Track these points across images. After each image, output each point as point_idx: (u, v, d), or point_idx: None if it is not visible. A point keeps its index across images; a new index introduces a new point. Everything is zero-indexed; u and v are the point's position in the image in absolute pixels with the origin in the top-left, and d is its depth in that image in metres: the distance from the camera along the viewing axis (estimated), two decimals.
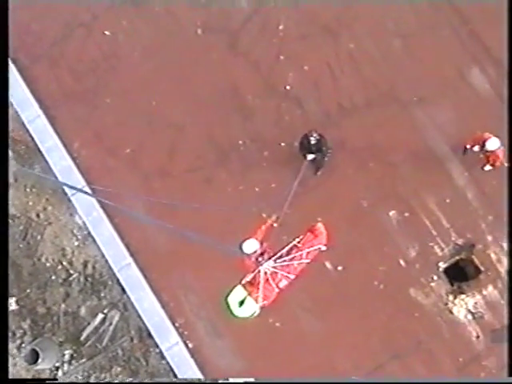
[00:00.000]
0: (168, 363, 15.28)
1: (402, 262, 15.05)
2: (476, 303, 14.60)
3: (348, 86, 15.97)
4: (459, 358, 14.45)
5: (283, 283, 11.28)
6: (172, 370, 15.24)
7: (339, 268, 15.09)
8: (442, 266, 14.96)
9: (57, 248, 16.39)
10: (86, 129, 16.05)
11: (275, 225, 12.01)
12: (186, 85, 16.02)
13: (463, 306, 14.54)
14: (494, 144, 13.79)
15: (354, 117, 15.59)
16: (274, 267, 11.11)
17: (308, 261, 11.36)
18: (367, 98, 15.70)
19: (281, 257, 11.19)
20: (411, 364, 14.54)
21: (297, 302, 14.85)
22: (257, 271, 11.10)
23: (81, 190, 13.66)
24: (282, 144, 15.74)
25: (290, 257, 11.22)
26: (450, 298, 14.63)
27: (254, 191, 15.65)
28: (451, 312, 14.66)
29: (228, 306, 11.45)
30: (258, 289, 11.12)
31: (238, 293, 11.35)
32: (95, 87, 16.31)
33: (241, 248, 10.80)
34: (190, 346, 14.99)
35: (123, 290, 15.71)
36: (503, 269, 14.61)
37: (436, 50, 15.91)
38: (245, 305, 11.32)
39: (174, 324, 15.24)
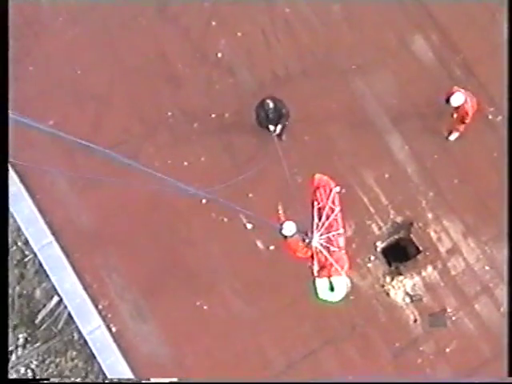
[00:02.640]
0: None
1: None
2: (414, 285, 13.32)
3: (283, 53, 14.59)
4: (396, 343, 13.20)
5: (341, 241, 11.08)
6: None
7: (271, 247, 13.72)
8: (380, 245, 13.67)
9: (11, 228, 14.98)
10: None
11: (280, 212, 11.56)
12: (112, 53, 14.51)
13: (401, 289, 13.25)
14: (458, 99, 12.30)
15: (288, 86, 14.17)
16: (322, 235, 10.92)
17: (339, 207, 11.16)
18: (303, 67, 14.34)
19: (318, 225, 10.98)
20: (345, 350, 13.25)
21: (226, 284, 13.56)
22: (315, 253, 10.94)
23: None
24: (213, 115, 14.07)
25: (324, 218, 10.97)
26: (388, 279, 13.32)
27: (183, 165, 14.07)
28: (388, 295, 13.37)
29: (326, 301, 11.37)
30: (331, 264, 10.94)
31: (321, 284, 11.18)
32: (17, 55, 14.31)
33: (283, 234, 10.55)
34: (114, 329, 13.33)
35: None
36: (444, 248, 13.26)
37: (377, 16, 14.59)
38: (335, 287, 11.12)
39: (96, 306, 13.62)
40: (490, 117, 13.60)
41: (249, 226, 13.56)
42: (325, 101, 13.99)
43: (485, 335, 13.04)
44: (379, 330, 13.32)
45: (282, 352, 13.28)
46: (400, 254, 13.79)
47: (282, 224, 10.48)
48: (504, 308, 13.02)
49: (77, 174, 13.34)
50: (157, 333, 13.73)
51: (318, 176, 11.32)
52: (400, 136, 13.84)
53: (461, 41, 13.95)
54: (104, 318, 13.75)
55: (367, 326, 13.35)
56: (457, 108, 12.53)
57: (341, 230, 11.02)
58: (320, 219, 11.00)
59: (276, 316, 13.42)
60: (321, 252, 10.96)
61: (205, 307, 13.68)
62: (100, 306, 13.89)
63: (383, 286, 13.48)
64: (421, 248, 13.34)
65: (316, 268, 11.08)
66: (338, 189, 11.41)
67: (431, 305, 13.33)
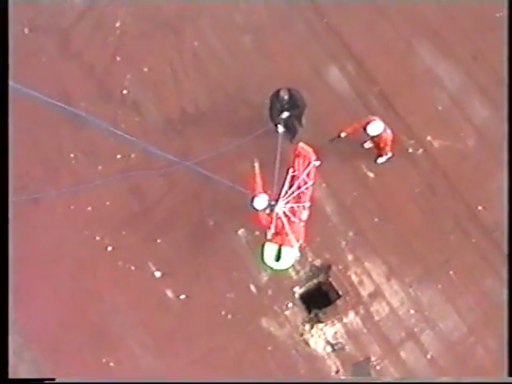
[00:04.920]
0: None
1: (252, 288, 12.53)
2: (336, 333, 12.08)
3: (192, 88, 13.52)
4: None
5: (304, 214, 11.04)
6: None
7: (182, 297, 12.54)
8: (298, 291, 12.46)
9: None
10: None
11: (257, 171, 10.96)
12: (10, 93, 12.76)
13: (321, 337, 12.02)
14: (375, 128, 11.49)
15: (198, 123, 12.90)
16: (287, 203, 10.79)
17: (312, 181, 11.13)
18: (213, 102, 12.95)
19: (287, 192, 10.83)
20: None
21: (134, 338, 12.29)
22: (275, 217, 10.69)
23: None
24: (118, 156, 12.94)
25: (294, 187, 10.90)
26: (307, 327, 12.09)
27: (87, 210, 12.95)
28: (308, 344, 12.08)
29: (268, 267, 11.20)
30: (287, 233, 10.78)
31: (270, 249, 11.03)
32: None
33: (254, 207, 10.45)
34: None
35: None
36: (365, 292, 12.04)
37: (289, 46, 13.61)
38: (283, 256, 11.02)
39: None
40: (410, 150, 12.59)
41: (157, 274, 12.38)
42: (237, 137, 12.59)
43: None
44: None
45: None
46: (321, 299, 12.59)
47: (253, 198, 10.39)
48: (430, 354, 11.65)
49: None
50: None
51: (301, 144, 11.13)
52: (317, 171, 12.22)
53: (377, 71, 12.99)
54: None
55: (286, 378, 11.97)
56: (375, 136, 11.54)
57: (307, 204, 10.98)
58: (290, 187, 10.92)
59: (187, 370, 12.13)
60: (280, 219, 10.75)
61: (111, 364, 12.35)
62: None
63: (302, 334, 12.27)
64: (340, 292, 12.15)
65: (271, 232, 10.88)
66: (317, 163, 11.29)
67: (354, 353, 12.11)
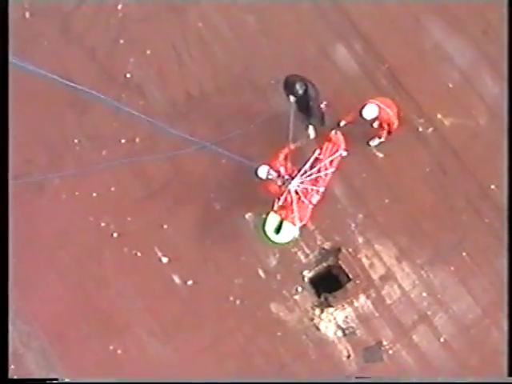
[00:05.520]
0: None
1: (261, 273, 12.24)
2: (346, 317, 11.83)
3: (197, 70, 13.19)
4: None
5: (315, 198, 11.08)
6: None
7: (189, 283, 12.30)
8: (307, 275, 12.18)
9: None
10: None
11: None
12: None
13: (332, 321, 11.76)
14: (369, 112, 11.12)
15: (203, 106, 12.70)
16: (302, 183, 10.91)
17: (333, 169, 11.08)
18: (218, 84, 12.75)
19: (305, 172, 10.94)
20: None
21: (141, 325, 12.07)
22: (287, 192, 10.82)
23: None
24: (123, 140, 12.78)
25: (315, 169, 10.94)
26: (317, 312, 11.84)
27: (92, 197, 12.74)
28: (318, 329, 11.84)
29: (266, 236, 11.17)
30: (293, 210, 10.88)
31: (273, 220, 11.11)
32: None
33: (257, 175, 10.68)
34: None
35: None
36: (376, 275, 11.74)
37: (295, 25, 13.18)
38: (283, 230, 11.10)
39: None
40: (421, 129, 12.20)
41: (164, 259, 12.09)
42: (242, 120, 12.33)
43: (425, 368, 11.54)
44: (310, 368, 11.80)
45: None
46: (331, 283, 12.27)
47: (257, 167, 10.63)
48: (444, 338, 11.34)
49: None
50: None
51: (334, 132, 11.15)
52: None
53: (385, 49, 12.60)
54: None
55: (296, 364, 11.82)
56: (374, 120, 11.11)
57: (321, 189, 11.03)
58: (311, 168, 10.96)
59: (196, 357, 11.94)
60: (291, 195, 10.87)
61: (119, 351, 12.18)
62: None
63: (312, 319, 11.99)
64: (350, 276, 11.82)
65: (278, 204, 11.00)
66: (345, 153, 11.14)
67: (365, 338, 11.82)
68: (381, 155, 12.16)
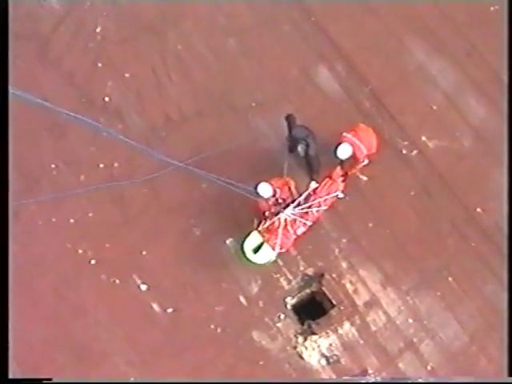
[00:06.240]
0: None
1: (242, 300, 11.88)
2: (331, 345, 11.45)
3: (176, 93, 12.98)
4: None
5: (301, 230, 11.02)
6: None
7: (169, 310, 11.89)
8: (290, 301, 11.84)
9: None
10: None
11: (292, 188, 11.24)
12: None
13: (315, 349, 11.37)
14: (344, 152, 11.06)
15: (182, 130, 12.27)
16: (294, 214, 10.82)
17: (326, 207, 11.05)
18: (198, 107, 12.47)
19: (299, 204, 10.88)
20: None
21: (119, 355, 11.61)
22: (276, 218, 10.81)
23: None
24: (101, 165, 12.40)
25: (308, 204, 10.89)
26: (300, 340, 11.45)
27: (69, 223, 12.35)
28: (301, 357, 11.49)
29: (243, 252, 11.06)
30: (276, 235, 10.84)
31: (254, 239, 11.07)
32: None
33: (256, 190, 10.65)
34: None
35: None
36: (361, 301, 11.43)
37: (276, 47, 13.09)
38: (261, 251, 11.04)
39: None
40: (405, 151, 11.99)
41: (143, 287, 11.75)
42: (222, 143, 12.19)
43: None
44: None
45: None
46: (315, 309, 11.95)
47: (257, 184, 10.61)
48: (431, 365, 11.04)
49: None
50: None
51: (338, 171, 11.19)
52: (308, 178, 11.84)
53: (368, 70, 12.42)
54: None
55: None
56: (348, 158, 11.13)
57: (308, 223, 10.98)
58: (305, 200, 10.98)
59: None
60: (279, 221, 10.84)
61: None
62: None
63: (295, 347, 11.60)
64: (334, 302, 11.47)
65: (264, 225, 10.99)
66: (341, 195, 11.27)
67: (350, 366, 11.43)
68: (364, 178, 11.91)
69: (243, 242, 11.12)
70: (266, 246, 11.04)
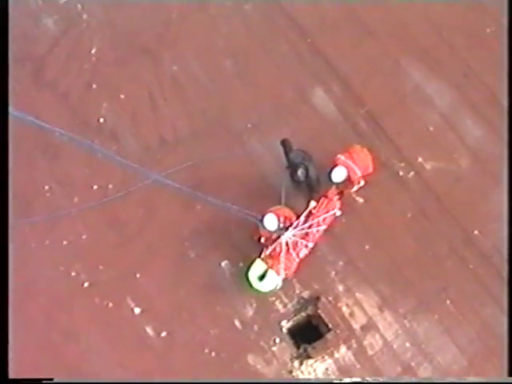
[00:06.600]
0: None
1: (237, 324, 11.66)
2: (327, 369, 11.25)
3: (171, 115, 12.88)
4: None
5: (303, 252, 11.00)
6: None
7: (163, 334, 11.67)
8: (286, 325, 11.61)
9: None
10: None
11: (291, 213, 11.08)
12: None
13: (311, 374, 11.20)
14: (339, 175, 11.03)
15: (178, 151, 12.16)
16: (295, 236, 10.83)
17: (325, 227, 11.09)
18: (193, 129, 12.40)
19: (298, 224, 10.87)
20: None
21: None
22: (277, 242, 10.77)
23: None
24: (95, 187, 12.37)
25: (307, 224, 10.92)
26: (296, 364, 11.23)
27: (62, 245, 12.24)
28: None
29: (248, 282, 11.00)
30: (279, 260, 10.81)
31: (258, 267, 11.01)
32: None
33: (262, 223, 10.51)
34: None
35: None
36: (357, 325, 11.27)
37: (272, 69, 13.01)
38: (266, 278, 10.97)
39: None
40: (401, 173, 11.84)
41: (137, 310, 11.59)
42: (217, 165, 12.16)
43: None
44: None
45: None
46: (311, 333, 11.70)
47: (263, 216, 10.46)
48: None
49: None
50: None
51: (333, 190, 11.27)
52: (303, 201, 11.80)
53: (364, 92, 12.31)
54: None
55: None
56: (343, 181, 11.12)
57: (310, 244, 10.97)
58: (304, 223, 10.95)
59: None
60: (281, 245, 10.81)
61: None
62: None
63: (291, 371, 11.36)
64: (330, 325, 11.31)
65: (267, 252, 10.95)
66: (338, 213, 11.26)
67: None
68: (361, 200, 11.77)
69: (247, 271, 11.03)
70: (270, 273, 10.97)
